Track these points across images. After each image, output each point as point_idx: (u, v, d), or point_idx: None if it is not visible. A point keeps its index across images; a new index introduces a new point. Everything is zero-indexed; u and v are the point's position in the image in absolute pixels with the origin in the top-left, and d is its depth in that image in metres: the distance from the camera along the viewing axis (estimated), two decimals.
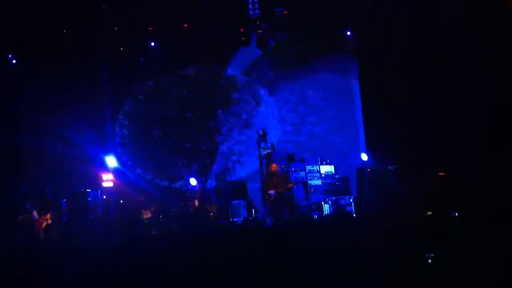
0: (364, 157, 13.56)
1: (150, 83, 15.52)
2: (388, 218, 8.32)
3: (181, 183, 14.92)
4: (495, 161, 10.79)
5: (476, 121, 11.89)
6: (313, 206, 13.48)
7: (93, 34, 13.94)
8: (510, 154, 10.76)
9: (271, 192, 12.87)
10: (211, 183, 14.86)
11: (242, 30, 14.22)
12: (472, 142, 11.75)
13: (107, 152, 14.17)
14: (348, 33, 14.23)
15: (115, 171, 13.89)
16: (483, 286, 4.26)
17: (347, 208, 12.89)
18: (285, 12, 13.82)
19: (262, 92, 15.30)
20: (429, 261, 4.61)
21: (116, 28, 14.06)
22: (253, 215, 13.57)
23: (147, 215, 13.21)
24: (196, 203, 13.55)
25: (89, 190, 13.63)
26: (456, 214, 9.30)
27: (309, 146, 14.95)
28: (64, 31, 13.89)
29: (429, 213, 10.31)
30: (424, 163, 12.47)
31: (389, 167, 13.05)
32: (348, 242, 5.84)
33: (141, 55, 14.88)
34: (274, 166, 13.27)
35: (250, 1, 13.69)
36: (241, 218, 12.65)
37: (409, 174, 12.67)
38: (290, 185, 13.45)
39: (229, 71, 15.35)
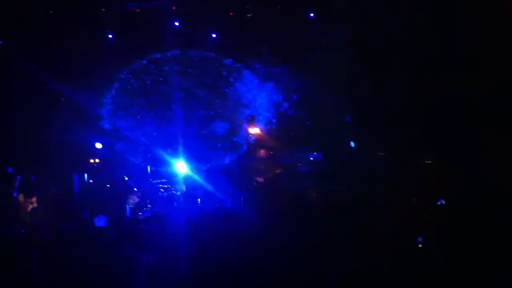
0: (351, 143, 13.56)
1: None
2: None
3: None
4: (489, 148, 10.84)
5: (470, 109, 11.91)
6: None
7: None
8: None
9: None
10: None
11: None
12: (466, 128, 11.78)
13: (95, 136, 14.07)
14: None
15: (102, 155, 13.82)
16: (472, 273, 4.25)
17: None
18: None
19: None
20: (419, 245, 4.57)
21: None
22: None
23: (134, 200, 13.15)
24: None
25: (75, 173, 13.52)
26: (443, 202, 9.34)
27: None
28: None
29: (415, 200, 10.35)
30: (414, 149, 12.49)
31: (379, 154, 13.05)
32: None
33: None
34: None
35: None
36: None
37: (399, 161, 12.67)
38: (279, 170, 13.43)
39: None
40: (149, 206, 13.06)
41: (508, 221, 5.39)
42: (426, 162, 12.40)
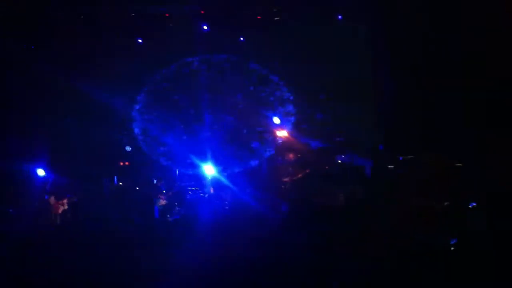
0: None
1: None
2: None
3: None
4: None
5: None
6: None
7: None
8: None
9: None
10: None
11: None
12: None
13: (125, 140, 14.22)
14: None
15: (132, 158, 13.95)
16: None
17: None
18: None
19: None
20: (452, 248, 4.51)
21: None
22: None
23: (162, 202, 13.26)
24: None
25: (105, 176, 13.70)
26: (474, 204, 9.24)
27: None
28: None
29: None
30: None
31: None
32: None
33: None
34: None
35: None
36: None
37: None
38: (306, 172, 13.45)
39: None
40: (177, 208, 13.17)
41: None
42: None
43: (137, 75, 14.60)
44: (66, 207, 12.72)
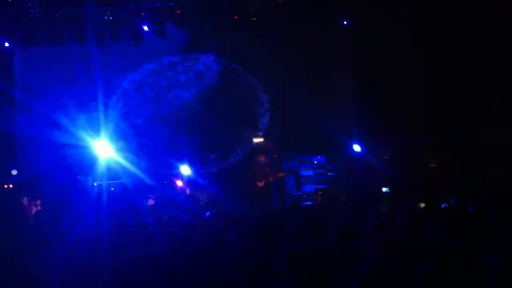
0: (357, 147, 13.57)
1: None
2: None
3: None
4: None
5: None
6: (304, 196, 13.56)
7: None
8: None
9: None
10: None
11: None
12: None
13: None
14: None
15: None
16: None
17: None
18: None
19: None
20: None
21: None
22: None
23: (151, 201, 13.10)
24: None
25: (80, 177, 13.56)
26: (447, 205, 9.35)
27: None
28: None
29: (422, 204, 10.35)
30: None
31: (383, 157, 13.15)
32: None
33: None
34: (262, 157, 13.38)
35: None
36: None
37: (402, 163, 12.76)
38: (281, 174, 13.51)
39: None
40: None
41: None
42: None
43: (114, 75, 14.52)
44: (39, 208, 12.56)
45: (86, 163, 13.79)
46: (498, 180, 9.94)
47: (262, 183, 13.06)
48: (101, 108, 14.20)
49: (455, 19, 11.85)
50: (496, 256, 3.57)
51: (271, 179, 13.07)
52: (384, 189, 12.98)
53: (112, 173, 13.66)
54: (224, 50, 14.64)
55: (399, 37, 12.57)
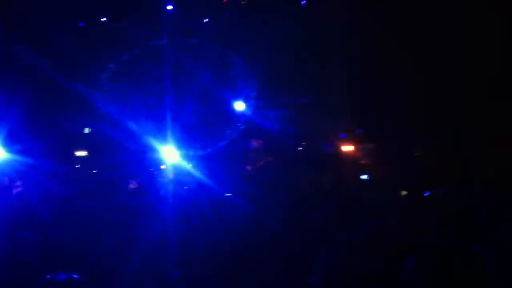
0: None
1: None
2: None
3: None
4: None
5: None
6: None
7: None
8: None
9: None
10: None
11: None
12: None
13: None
14: None
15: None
16: None
17: None
18: None
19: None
20: None
21: None
22: None
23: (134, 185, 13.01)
24: None
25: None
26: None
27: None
28: None
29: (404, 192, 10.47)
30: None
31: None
32: None
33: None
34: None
35: None
36: None
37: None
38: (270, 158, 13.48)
39: None
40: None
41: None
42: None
43: (100, 56, 14.36)
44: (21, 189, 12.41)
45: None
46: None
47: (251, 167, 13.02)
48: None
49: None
50: (487, 248, 3.61)
51: (259, 164, 13.03)
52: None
53: None
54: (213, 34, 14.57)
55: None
